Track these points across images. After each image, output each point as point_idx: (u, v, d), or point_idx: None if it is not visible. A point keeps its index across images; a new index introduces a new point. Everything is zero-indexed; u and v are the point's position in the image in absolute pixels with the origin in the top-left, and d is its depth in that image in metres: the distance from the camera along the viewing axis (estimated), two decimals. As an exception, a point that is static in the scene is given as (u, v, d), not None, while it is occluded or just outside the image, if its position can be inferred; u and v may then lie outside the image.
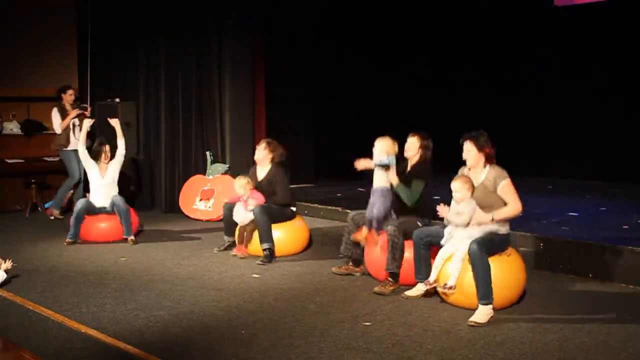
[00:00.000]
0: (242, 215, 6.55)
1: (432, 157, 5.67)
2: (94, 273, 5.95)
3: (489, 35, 10.66)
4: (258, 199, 6.54)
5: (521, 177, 5.21)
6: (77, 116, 8.50)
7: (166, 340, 4.34)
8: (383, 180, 5.53)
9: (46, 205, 8.95)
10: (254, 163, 6.91)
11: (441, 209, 4.95)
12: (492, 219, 4.85)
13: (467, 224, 4.84)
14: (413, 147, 5.63)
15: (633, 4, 9.04)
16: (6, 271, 5.57)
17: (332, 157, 10.32)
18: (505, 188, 4.89)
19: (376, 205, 5.50)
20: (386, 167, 5.48)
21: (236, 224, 6.63)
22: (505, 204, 4.88)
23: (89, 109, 8.64)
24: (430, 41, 11.00)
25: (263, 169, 6.76)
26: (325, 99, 10.15)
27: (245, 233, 6.52)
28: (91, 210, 7.24)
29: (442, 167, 5.84)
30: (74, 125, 8.51)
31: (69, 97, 8.60)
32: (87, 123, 7.74)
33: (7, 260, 5.64)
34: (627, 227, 6.53)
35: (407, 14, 10.84)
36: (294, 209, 6.81)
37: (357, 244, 5.73)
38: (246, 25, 8.94)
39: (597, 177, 9.65)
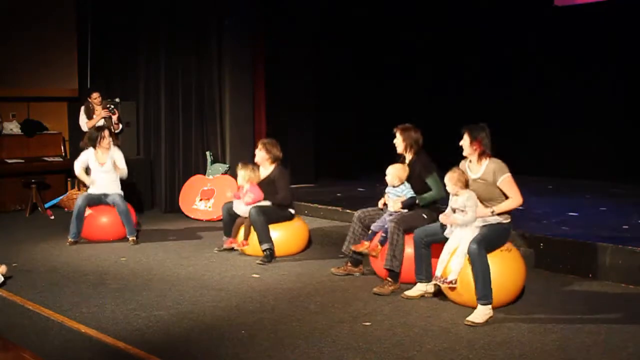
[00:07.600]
0: (242, 209, 6.57)
1: (425, 149, 5.71)
2: (94, 273, 5.95)
3: (489, 35, 10.65)
4: (256, 194, 6.55)
5: (521, 177, 5.20)
6: (106, 116, 8.39)
7: (166, 340, 4.34)
8: (398, 206, 5.58)
9: (46, 205, 8.95)
10: (255, 164, 6.92)
11: (443, 218, 4.96)
12: (493, 213, 4.86)
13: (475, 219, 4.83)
14: (399, 144, 5.66)
15: (633, 4, 9.04)
16: (3, 274, 5.56)
17: (332, 157, 10.34)
18: (506, 181, 4.89)
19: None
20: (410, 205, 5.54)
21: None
22: (505, 197, 4.89)
23: (117, 112, 8.50)
24: (431, 41, 10.99)
25: (265, 169, 6.77)
26: (325, 99, 10.14)
27: (242, 228, 6.54)
28: (92, 201, 7.18)
29: (442, 168, 5.83)
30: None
31: (94, 100, 8.49)
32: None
33: (1, 265, 5.63)
34: (627, 227, 6.53)
35: (408, 15, 10.83)
36: (292, 211, 6.80)
37: (359, 253, 5.74)
38: (246, 25, 8.93)
39: (597, 177, 9.64)
